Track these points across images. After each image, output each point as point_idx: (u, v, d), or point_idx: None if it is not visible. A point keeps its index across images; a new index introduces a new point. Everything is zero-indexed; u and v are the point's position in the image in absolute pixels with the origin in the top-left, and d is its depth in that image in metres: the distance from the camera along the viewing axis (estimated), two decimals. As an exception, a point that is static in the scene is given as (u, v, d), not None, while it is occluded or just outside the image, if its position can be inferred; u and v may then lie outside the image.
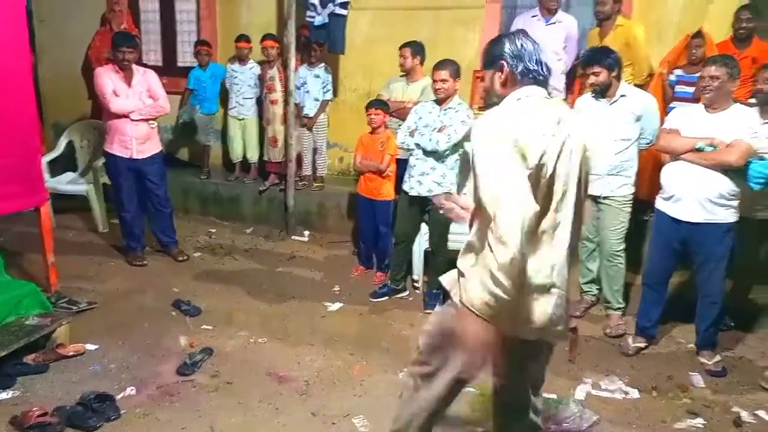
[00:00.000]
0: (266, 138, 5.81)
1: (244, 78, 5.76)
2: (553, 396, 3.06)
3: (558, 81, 4.82)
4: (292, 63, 5.26)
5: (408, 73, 4.67)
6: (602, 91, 3.69)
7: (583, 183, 1.86)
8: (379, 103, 4.46)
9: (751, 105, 3.50)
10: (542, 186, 1.73)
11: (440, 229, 4.09)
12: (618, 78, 3.69)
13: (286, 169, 5.48)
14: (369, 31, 5.74)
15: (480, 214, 1.77)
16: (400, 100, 4.65)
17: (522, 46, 1.88)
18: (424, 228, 4.25)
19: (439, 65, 3.91)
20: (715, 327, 3.47)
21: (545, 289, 1.79)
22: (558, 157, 1.74)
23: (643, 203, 4.05)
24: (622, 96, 3.68)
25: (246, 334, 3.67)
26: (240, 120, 5.87)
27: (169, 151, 6.48)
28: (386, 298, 4.27)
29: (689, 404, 3.08)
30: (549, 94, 1.92)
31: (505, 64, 1.88)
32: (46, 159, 5.32)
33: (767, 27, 4.39)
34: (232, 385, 3.12)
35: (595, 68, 3.64)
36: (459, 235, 4.20)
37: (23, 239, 4.82)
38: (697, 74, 4.22)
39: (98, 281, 4.38)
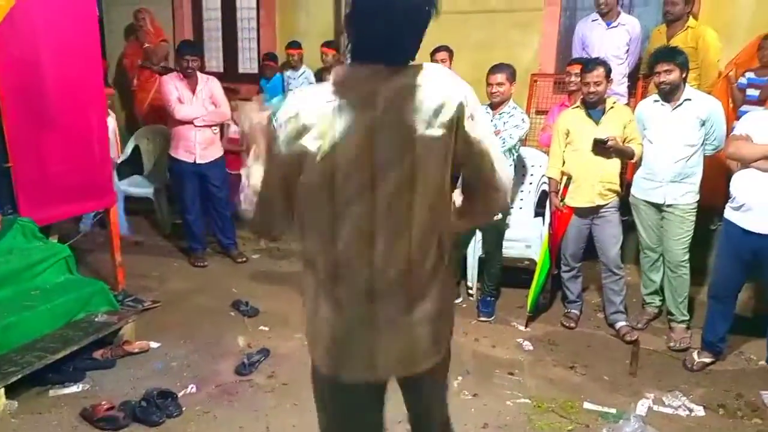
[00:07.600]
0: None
1: (296, 84, 5.87)
2: (613, 410, 2.98)
3: (620, 85, 4.69)
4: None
5: None
6: (670, 92, 3.55)
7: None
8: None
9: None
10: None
11: (494, 235, 4.03)
12: (685, 80, 3.56)
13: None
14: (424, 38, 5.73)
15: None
16: None
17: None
18: (478, 234, 4.20)
19: (495, 69, 3.87)
20: (789, 343, 3.30)
21: None
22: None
23: (707, 211, 3.88)
24: (686, 100, 3.54)
25: (301, 337, 3.72)
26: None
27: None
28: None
29: (760, 425, 2.93)
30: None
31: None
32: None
33: None
34: (288, 387, 3.18)
35: (667, 65, 3.48)
36: (513, 242, 4.15)
37: (92, 239, 5.04)
38: (766, 77, 4.08)
39: (162, 281, 4.55)
